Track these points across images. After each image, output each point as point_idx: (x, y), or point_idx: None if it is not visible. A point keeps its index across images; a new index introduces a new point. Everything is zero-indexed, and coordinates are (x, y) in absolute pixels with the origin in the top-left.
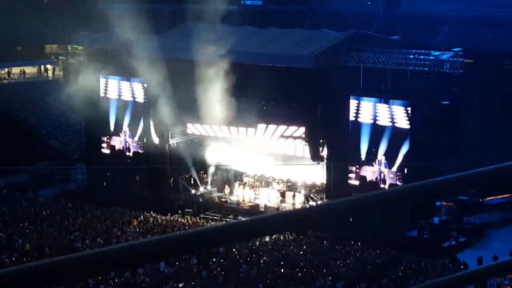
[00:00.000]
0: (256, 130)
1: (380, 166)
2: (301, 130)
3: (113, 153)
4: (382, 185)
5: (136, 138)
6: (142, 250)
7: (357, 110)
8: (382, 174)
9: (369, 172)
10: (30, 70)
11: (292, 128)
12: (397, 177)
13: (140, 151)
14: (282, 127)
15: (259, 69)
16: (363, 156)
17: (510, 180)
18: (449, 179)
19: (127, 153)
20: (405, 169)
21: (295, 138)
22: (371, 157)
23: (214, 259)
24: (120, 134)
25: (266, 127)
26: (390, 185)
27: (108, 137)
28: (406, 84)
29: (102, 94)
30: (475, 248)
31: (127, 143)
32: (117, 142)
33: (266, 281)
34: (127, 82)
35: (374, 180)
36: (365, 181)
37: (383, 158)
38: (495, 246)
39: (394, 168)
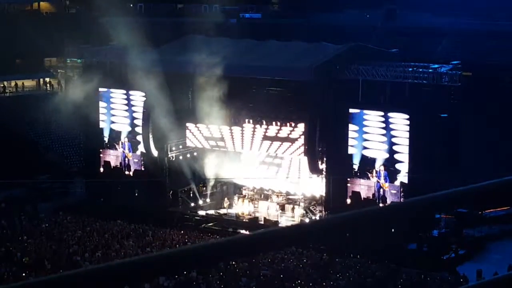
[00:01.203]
0: (254, 132)
1: (379, 179)
2: (300, 142)
3: (110, 171)
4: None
5: (138, 153)
6: (152, 264)
7: (356, 123)
8: (381, 190)
9: (364, 187)
10: (29, 83)
11: (291, 135)
12: (400, 192)
13: (141, 168)
14: (281, 130)
15: (258, 82)
16: (359, 168)
17: (510, 194)
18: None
19: (127, 172)
20: (405, 182)
21: (293, 152)
22: (369, 168)
23: (213, 272)
24: (118, 147)
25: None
26: (391, 201)
27: (102, 150)
28: (405, 97)
29: (100, 107)
30: (474, 260)
31: (127, 159)
32: (113, 157)
33: None
34: (126, 95)
35: (371, 197)
36: (360, 198)
37: (382, 169)
38: (494, 258)
39: (397, 182)
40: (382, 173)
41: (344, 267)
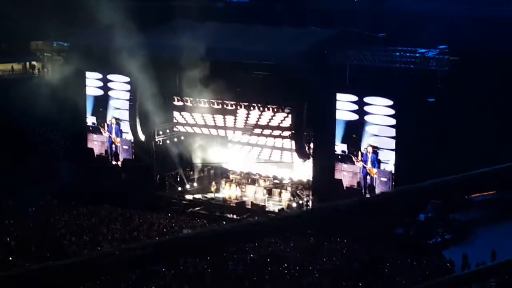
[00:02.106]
0: (242, 116)
1: (366, 163)
2: (287, 126)
3: (94, 160)
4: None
5: (127, 137)
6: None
7: (343, 107)
8: (368, 177)
9: (348, 174)
10: (15, 67)
11: (279, 116)
12: (392, 179)
13: (132, 157)
14: (268, 114)
15: (245, 66)
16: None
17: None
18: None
19: (114, 162)
20: (393, 168)
21: (282, 137)
22: (353, 150)
23: (200, 256)
24: (103, 131)
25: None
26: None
27: (88, 134)
28: (393, 82)
29: (88, 91)
30: (460, 245)
31: (114, 145)
32: (98, 144)
33: (252, 279)
34: (113, 79)
35: (356, 185)
36: (341, 187)
37: (370, 151)
38: (480, 243)
39: (388, 167)
40: (370, 156)
41: (331, 251)
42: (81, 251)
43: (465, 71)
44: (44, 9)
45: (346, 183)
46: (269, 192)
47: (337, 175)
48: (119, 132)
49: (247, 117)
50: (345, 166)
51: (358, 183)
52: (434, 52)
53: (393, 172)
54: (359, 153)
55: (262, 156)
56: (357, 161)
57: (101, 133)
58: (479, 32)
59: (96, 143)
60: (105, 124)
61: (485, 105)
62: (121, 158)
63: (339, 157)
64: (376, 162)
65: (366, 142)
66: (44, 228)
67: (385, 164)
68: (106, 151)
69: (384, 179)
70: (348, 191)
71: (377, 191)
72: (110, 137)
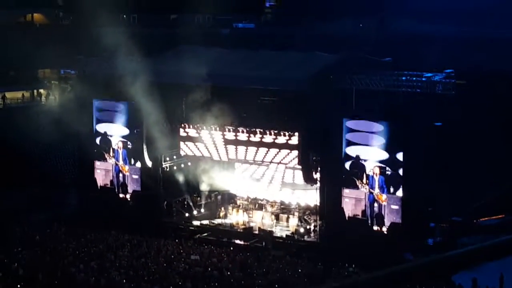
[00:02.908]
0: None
1: (373, 188)
2: (294, 152)
3: (98, 193)
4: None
5: (136, 165)
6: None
7: (350, 132)
8: (375, 204)
9: (350, 200)
10: (22, 94)
11: (285, 145)
12: (401, 207)
13: (140, 188)
14: (275, 140)
15: (252, 92)
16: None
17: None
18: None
19: (122, 194)
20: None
21: (287, 162)
22: (357, 172)
23: (208, 282)
24: (108, 158)
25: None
26: (391, 223)
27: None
28: (399, 106)
29: (94, 118)
30: (469, 269)
31: (121, 174)
32: (101, 173)
33: None
34: (119, 106)
35: (360, 214)
36: (343, 217)
37: (377, 172)
38: (489, 267)
39: (398, 193)
40: (377, 179)
41: (339, 276)
42: (89, 278)
43: (472, 94)
44: (51, 38)
45: (348, 211)
46: (277, 218)
47: (343, 201)
48: (127, 159)
49: (253, 142)
50: (347, 191)
51: (363, 211)
52: (440, 76)
53: (403, 196)
54: (364, 176)
55: (269, 181)
56: (361, 185)
57: (105, 159)
58: (485, 55)
59: (100, 172)
60: (111, 150)
61: (493, 129)
62: (130, 190)
63: (343, 180)
64: (385, 186)
65: (372, 163)
66: (51, 255)
67: (394, 189)
68: (111, 181)
69: (395, 207)
70: (351, 221)
71: (387, 221)
72: (117, 164)
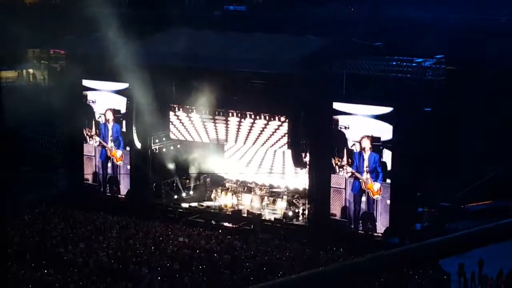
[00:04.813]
0: (238, 124)
1: (360, 171)
2: (284, 135)
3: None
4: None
5: (127, 148)
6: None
7: (340, 116)
8: (364, 195)
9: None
10: (11, 74)
11: (275, 128)
12: (387, 189)
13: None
14: (265, 123)
15: (242, 75)
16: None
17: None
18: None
19: (109, 193)
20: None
21: (278, 145)
22: (338, 148)
23: (196, 264)
24: (89, 138)
25: (250, 121)
26: (387, 229)
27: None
28: (389, 91)
29: (84, 99)
30: (456, 254)
31: (110, 163)
32: (90, 165)
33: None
34: (109, 87)
35: (338, 215)
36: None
37: (367, 145)
38: (476, 253)
39: (388, 180)
40: (366, 157)
41: (327, 260)
42: (77, 259)
43: (462, 80)
44: (42, 17)
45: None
46: (266, 201)
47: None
48: (121, 139)
49: (243, 125)
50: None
51: (343, 209)
52: (430, 62)
53: (392, 182)
54: (344, 151)
55: (257, 164)
56: (339, 165)
57: (85, 139)
58: (476, 41)
59: (89, 164)
60: (93, 123)
61: (482, 114)
62: (123, 188)
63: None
64: (380, 169)
65: (358, 134)
66: (39, 235)
67: (388, 176)
68: (95, 174)
69: (382, 196)
70: (328, 222)
71: (380, 226)
72: (103, 147)
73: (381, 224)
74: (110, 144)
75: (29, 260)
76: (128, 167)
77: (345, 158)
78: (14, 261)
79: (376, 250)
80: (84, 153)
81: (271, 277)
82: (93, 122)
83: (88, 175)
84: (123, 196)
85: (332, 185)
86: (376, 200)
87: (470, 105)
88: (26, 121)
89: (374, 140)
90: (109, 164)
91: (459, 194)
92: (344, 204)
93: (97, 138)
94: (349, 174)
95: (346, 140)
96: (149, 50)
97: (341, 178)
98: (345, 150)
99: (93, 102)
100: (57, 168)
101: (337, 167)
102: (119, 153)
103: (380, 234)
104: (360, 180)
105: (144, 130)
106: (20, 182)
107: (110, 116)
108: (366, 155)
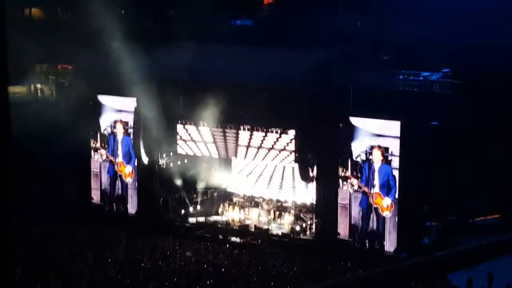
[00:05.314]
0: (245, 138)
1: (370, 185)
2: (291, 149)
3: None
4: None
5: (135, 164)
6: None
7: (346, 130)
8: (373, 213)
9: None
10: (19, 89)
11: (282, 142)
12: (396, 204)
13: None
14: (272, 137)
15: (249, 88)
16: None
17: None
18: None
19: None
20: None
21: (284, 159)
22: (343, 157)
23: (203, 279)
24: (103, 154)
25: (257, 135)
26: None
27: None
28: (396, 104)
29: (91, 113)
30: (464, 268)
31: (120, 181)
32: (95, 183)
33: None
34: (117, 102)
35: (346, 236)
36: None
37: (378, 156)
38: (485, 266)
39: (396, 195)
40: (377, 168)
41: (335, 274)
42: (84, 273)
43: (469, 94)
44: (49, 33)
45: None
46: (273, 215)
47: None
48: (132, 152)
49: (250, 139)
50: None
51: (351, 227)
52: (437, 76)
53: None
54: (349, 161)
55: (266, 179)
56: (343, 177)
57: (90, 153)
58: (482, 55)
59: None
60: (98, 134)
61: (489, 128)
62: (131, 208)
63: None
64: (393, 183)
65: (368, 140)
66: (47, 250)
67: (396, 190)
68: (102, 192)
69: (389, 214)
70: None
71: (389, 246)
72: (111, 162)
73: (390, 244)
74: (119, 159)
75: (35, 274)
76: (136, 183)
77: (349, 171)
78: (20, 275)
79: (385, 264)
80: (94, 168)
81: None
82: (98, 134)
83: (95, 193)
84: (131, 213)
85: (338, 201)
86: (386, 218)
87: (477, 118)
88: (33, 136)
89: (385, 150)
90: (118, 183)
91: (467, 207)
92: (349, 221)
93: (103, 152)
94: (356, 187)
95: (352, 153)
96: (156, 64)
97: (344, 193)
98: (349, 162)
99: (99, 115)
100: (64, 184)
101: (340, 181)
102: (128, 168)
103: (389, 253)
104: (368, 194)
105: (151, 145)
106: (26, 196)
107: (120, 128)
108: (377, 167)
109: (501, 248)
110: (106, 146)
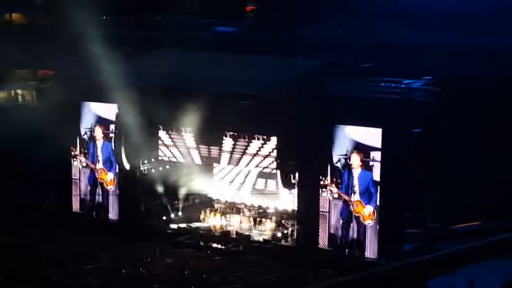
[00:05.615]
0: (228, 145)
1: (349, 192)
2: (272, 156)
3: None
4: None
5: (116, 170)
6: None
7: (329, 137)
8: (352, 222)
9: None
10: (0, 95)
11: (263, 149)
12: (377, 212)
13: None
14: (253, 144)
15: (231, 96)
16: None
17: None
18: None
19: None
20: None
21: (265, 166)
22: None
23: (185, 286)
24: (76, 159)
25: (239, 142)
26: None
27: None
28: (378, 112)
29: (72, 119)
30: (444, 275)
31: (99, 188)
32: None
33: None
34: (98, 108)
35: (325, 241)
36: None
37: (356, 161)
38: (465, 273)
39: (377, 202)
40: (356, 175)
41: (315, 280)
42: (66, 281)
43: (450, 101)
44: (30, 38)
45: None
46: (254, 221)
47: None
48: (113, 159)
49: (233, 147)
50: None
51: (330, 236)
52: (419, 83)
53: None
54: (328, 168)
55: (247, 185)
56: (322, 184)
57: (69, 159)
58: (464, 62)
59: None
60: (77, 140)
61: (471, 136)
62: (112, 215)
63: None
64: (374, 190)
65: (344, 145)
66: (28, 257)
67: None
68: (82, 201)
69: (370, 223)
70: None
71: (369, 253)
72: (92, 170)
73: (370, 251)
74: (99, 166)
75: (16, 282)
76: (117, 190)
77: (328, 176)
78: (2, 285)
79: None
80: (75, 176)
81: None
82: (78, 140)
83: (75, 201)
84: (113, 219)
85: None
86: (367, 226)
87: (459, 126)
88: (13, 142)
89: (365, 154)
90: (98, 190)
91: (447, 215)
92: (328, 231)
93: (83, 159)
94: (335, 195)
95: (332, 160)
96: (138, 71)
97: (324, 200)
98: (329, 168)
99: (80, 121)
100: (45, 191)
101: (319, 188)
102: (110, 176)
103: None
104: (349, 202)
105: (133, 151)
106: (6, 202)
107: (99, 132)
108: (356, 173)
109: (481, 252)
110: (86, 151)
